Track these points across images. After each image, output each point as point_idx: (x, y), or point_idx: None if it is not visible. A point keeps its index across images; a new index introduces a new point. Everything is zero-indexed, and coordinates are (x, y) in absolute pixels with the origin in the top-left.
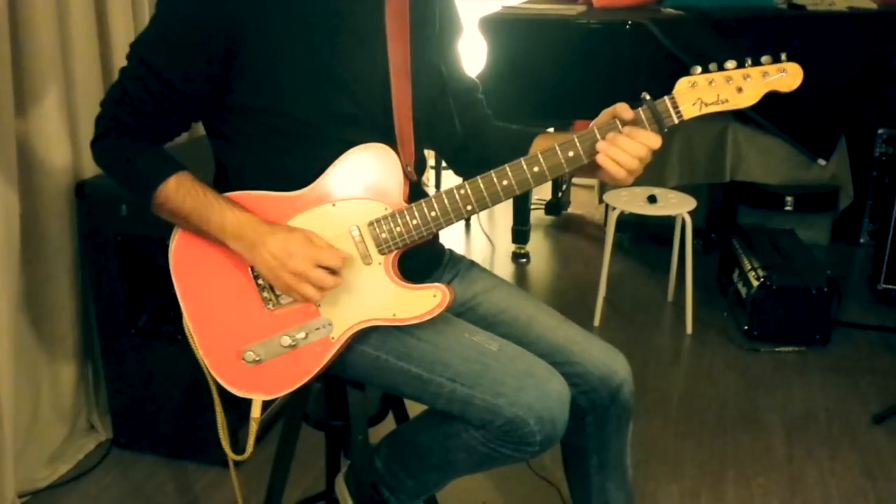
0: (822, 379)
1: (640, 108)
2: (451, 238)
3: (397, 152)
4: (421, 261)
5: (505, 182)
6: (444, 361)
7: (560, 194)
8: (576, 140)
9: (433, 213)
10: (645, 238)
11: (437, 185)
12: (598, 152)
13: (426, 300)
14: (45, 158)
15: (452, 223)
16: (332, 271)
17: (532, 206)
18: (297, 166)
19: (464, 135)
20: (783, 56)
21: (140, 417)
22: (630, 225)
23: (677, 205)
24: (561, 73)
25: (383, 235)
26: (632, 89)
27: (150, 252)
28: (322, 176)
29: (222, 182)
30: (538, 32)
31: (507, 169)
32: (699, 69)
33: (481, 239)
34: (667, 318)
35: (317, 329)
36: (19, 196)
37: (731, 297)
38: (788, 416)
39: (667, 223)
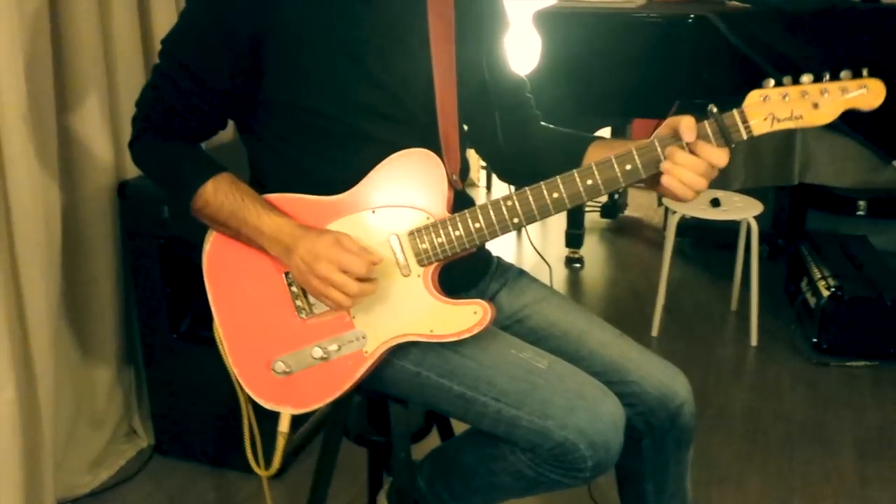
0: None
1: (705, 122)
2: (502, 245)
3: (442, 159)
4: (467, 268)
5: (556, 195)
6: (488, 379)
7: (617, 196)
8: (634, 152)
9: (477, 225)
10: (707, 243)
11: (488, 186)
12: (658, 168)
13: (466, 317)
14: (88, 158)
15: (497, 236)
16: (365, 278)
17: (587, 209)
18: (334, 168)
19: (510, 136)
20: (864, 71)
21: (182, 424)
22: (691, 229)
23: (742, 209)
24: (619, 70)
25: (424, 246)
26: (694, 86)
27: (192, 255)
28: (363, 181)
29: (257, 185)
30: (595, 27)
31: (559, 181)
32: (772, 82)
33: (534, 243)
34: (730, 329)
35: (350, 342)
36: (61, 196)
37: (798, 308)
38: (860, 435)
39: (731, 228)
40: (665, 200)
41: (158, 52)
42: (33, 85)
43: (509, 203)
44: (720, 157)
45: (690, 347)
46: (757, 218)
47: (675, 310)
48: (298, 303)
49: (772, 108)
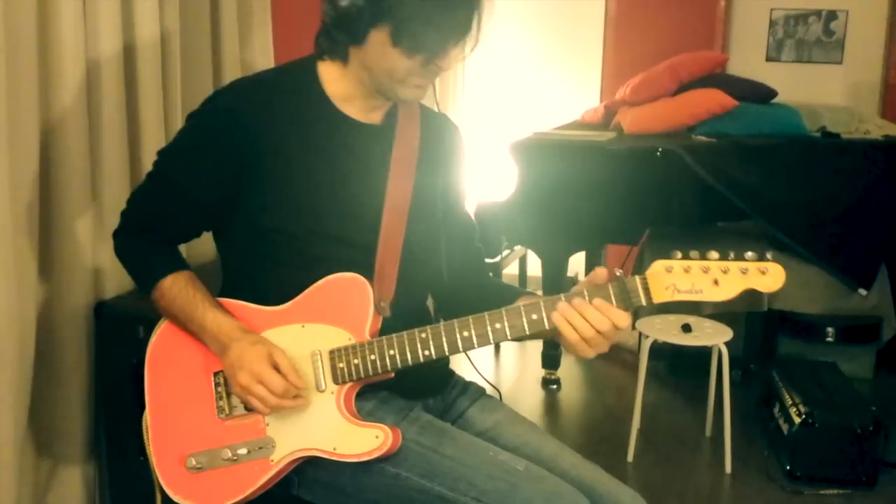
0: None
1: (608, 284)
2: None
3: (373, 285)
4: (423, 376)
5: (465, 333)
6: (468, 479)
7: None
8: (541, 304)
9: (392, 352)
10: (682, 367)
11: None
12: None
13: (368, 439)
14: (66, 277)
15: (409, 365)
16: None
17: None
18: (280, 281)
19: (453, 278)
20: (769, 255)
21: None
22: (666, 352)
23: (713, 335)
24: (592, 199)
25: (341, 365)
26: (664, 214)
27: None
28: (300, 296)
29: (223, 289)
30: (569, 158)
31: (471, 321)
32: (679, 254)
33: (511, 364)
34: (704, 455)
35: (259, 448)
36: (37, 314)
37: (772, 434)
38: None
39: (705, 353)
40: (638, 324)
41: (154, 161)
42: (17, 205)
43: (423, 335)
44: (618, 316)
45: (666, 473)
46: (728, 343)
47: (651, 434)
48: (220, 403)
49: (674, 279)
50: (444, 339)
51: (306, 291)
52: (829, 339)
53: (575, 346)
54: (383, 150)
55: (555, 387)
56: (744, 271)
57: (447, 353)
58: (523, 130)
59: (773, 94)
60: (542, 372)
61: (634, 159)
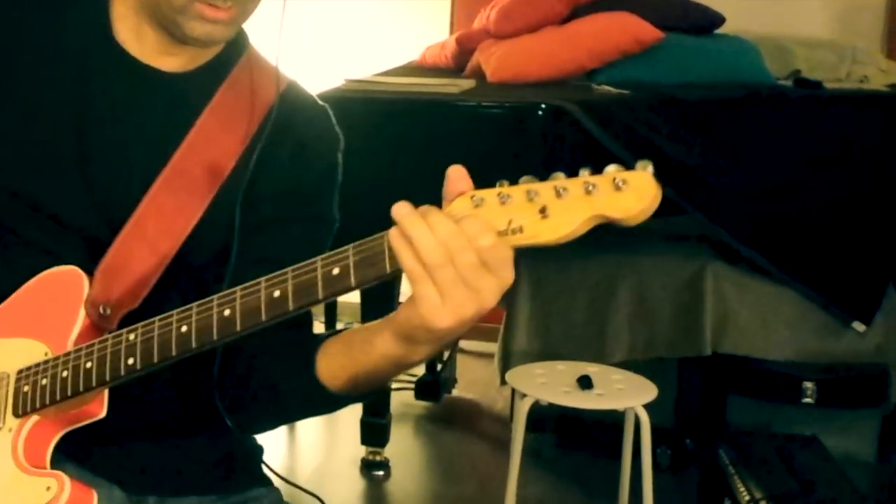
0: None
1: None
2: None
3: (94, 279)
4: (186, 460)
5: (184, 328)
6: None
7: (440, 367)
8: (290, 273)
9: (88, 365)
10: (578, 443)
11: None
12: (318, 297)
13: (35, 494)
14: None
15: (108, 383)
16: None
17: (394, 386)
18: None
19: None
20: (640, 165)
21: None
22: (553, 421)
23: (625, 393)
24: (437, 180)
25: (25, 389)
26: None
27: None
28: (4, 303)
29: None
30: (402, 118)
31: (194, 309)
32: (506, 183)
33: (313, 439)
34: None
35: None
36: None
37: None
38: None
39: (612, 420)
40: (509, 376)
41: None
42: None
43: (131, 336)
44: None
45: None
46: (650, 406)
47: None
48: None
49: (486, 215)
50: (154, 338)
51: (13, 296)
52: (808, 399)
53: (420, 295)
54: (178, 106)
55: (381, 473)
56: (590, 189)
57: (156, 362)
58: (331, 79)
59: (720, 20)
60: (361, 450)
61: (504, 121)
